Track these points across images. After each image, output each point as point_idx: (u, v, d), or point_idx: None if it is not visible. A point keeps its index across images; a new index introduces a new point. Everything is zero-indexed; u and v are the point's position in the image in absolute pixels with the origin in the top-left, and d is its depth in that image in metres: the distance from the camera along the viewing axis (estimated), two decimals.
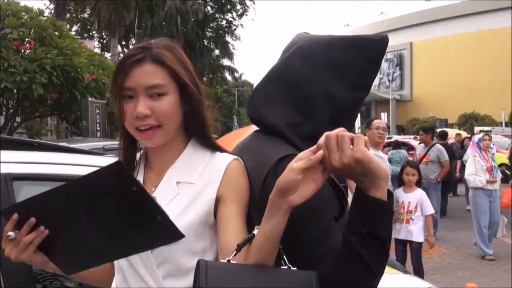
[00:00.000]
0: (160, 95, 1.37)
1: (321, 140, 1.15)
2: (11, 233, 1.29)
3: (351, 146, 1.13)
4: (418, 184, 6.00)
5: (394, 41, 56.90)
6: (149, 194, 1.22)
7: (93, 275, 1.54)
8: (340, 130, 1.15)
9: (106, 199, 1.21)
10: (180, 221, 1.30)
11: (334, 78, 1.47)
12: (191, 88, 1.41)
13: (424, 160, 9.19)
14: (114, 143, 6.43)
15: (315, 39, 1.55)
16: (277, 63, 1.56)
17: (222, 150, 1.46)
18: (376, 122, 6.38)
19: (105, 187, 1.20)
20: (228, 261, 1.19)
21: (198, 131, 1.46)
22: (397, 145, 14.19)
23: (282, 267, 1.20)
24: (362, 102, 1.59)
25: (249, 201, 1.39)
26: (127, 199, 1.20)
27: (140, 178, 1.48)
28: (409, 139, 21.96)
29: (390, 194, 1.21)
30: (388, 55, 59.64)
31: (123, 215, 1.23)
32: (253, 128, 1.60)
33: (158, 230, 1.24)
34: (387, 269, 2.88)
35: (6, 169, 1.83)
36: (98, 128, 10.43)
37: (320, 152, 1.14)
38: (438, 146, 9.63)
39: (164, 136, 1.40)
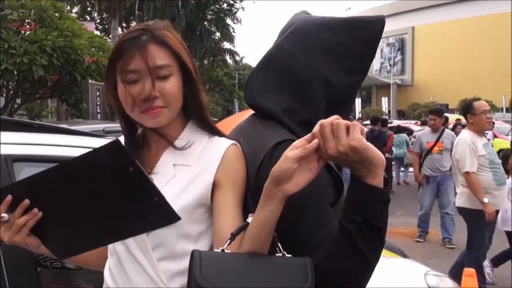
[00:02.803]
0: (166, 76, 1.35)
1: (316, 128, 1.15)
2: (4, 215, 1.28)
3: (347, 134, 1.13)
4: None
5: (396, 26, 56.68)
6: (146, 175, 1.21)
7: (87, 259, 1.53)
8: (335, 118, 1.14)
9: (102, 180, 1.20)
10: (176, 203, 1.29)
11: (329, 62, 1.45)
12: (191, 69, 1.40)
13: (436, 148, 7.82)
14: (115, 126, 6.43)
15: (311, 21, 1.51)
16: (272, 48, 1.53)
17: (220, 133, 1.45)
18: (481, 105, 5.23)
19: (101, 167, 1.18)
20: (223, 250, 1.19)
21: (196, 113, 1.45)
22: (399, 129, 14.95)
23: (276, 254, 1.20)
24: (359, 86, 1.55)
25: (246, 187, 1.38)
26: (124, 180, 1.19)
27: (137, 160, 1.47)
28: (410, 124, 21.98)
29: (386, 182, 1.20)
30: (390, 40, 59.45)
31: (120, 196, 1.22)
32: (251, 111, 1.59)
33: (155, 212, 1.23)
34: (387, 253, 2.89)
35: (7, 150, 1.83)
36: (99, 111, 10.42)
37: (315, 141, 1.14)
38: (450, 131, 8.50)
39: (169, 116, 1.39)
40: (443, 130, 7.98)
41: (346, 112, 1.53)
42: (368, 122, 15.21)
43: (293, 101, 1.44)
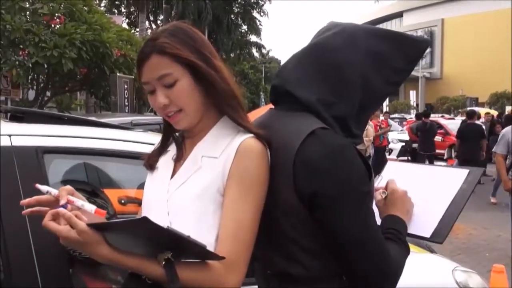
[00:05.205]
0: (172, 83, 1.40)
1: None
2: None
3: None
4: None
5: (425, 18, 55.86)
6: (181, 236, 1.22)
7: None
8: None
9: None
10: (194, 192, 1.38)
11: (371, 66, 1.48)
12: (199, 65, 1.41)
13: None
14: (142, 118, 6.49)
15: (357, 26, 1.55)
16: (316, 41, 1.53)
17: (251, 129, 1.44)
18: None
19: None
20: None
21: (225, 106, 1.45)
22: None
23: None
24: (386, 98, 1.63)
25: (261, 183, 1.38)
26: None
27: (172, 154, 1.55)
28: (438, 118, 21.70)
29: None
30: (419, 32, 58.52)
31: None
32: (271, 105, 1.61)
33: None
34: (415, 248, 2.87)
35: (38, 142, 1.86)
36: (126, 103, 10.53)
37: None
38: None
39: (187, 119, 1.45)
40: None
41: (368, 117, 1.61)
42: (395, 115, 15.10)
43: (330, 95, 1.44)
